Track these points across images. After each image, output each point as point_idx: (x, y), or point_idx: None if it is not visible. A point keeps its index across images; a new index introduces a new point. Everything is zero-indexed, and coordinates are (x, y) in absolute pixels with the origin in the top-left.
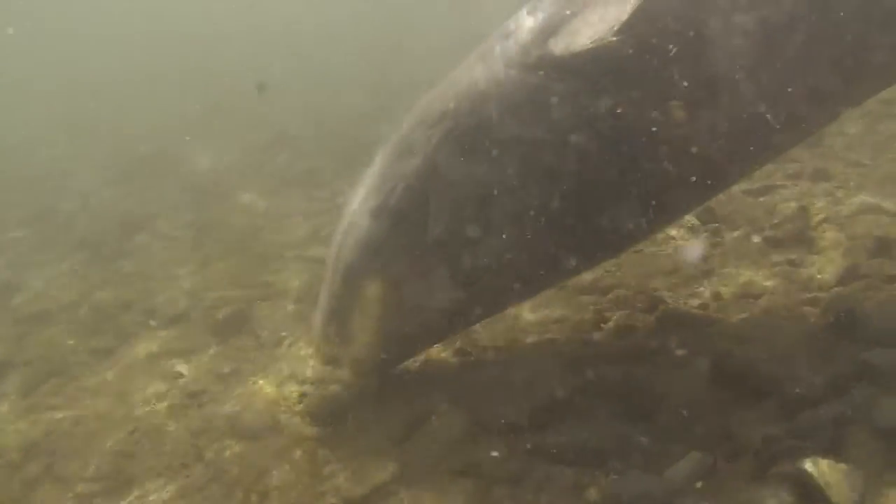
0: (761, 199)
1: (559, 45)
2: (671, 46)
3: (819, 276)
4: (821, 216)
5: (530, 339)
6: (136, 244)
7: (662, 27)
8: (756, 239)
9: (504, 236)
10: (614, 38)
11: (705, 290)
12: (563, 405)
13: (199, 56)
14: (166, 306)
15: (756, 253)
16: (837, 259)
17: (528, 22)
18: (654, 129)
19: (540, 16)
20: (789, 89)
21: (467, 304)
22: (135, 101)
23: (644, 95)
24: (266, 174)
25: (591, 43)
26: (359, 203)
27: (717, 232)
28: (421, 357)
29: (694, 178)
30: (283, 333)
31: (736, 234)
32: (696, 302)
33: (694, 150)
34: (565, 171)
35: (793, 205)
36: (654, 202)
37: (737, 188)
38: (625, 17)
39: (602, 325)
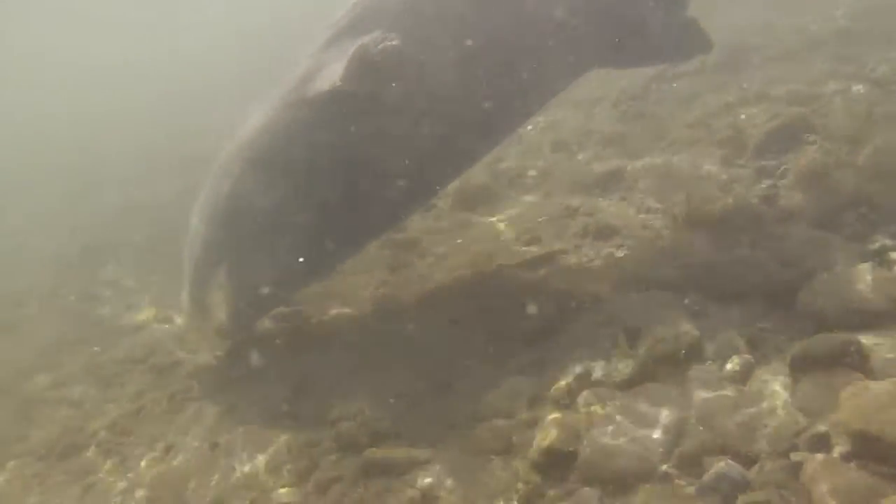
0: None
1: (310, 91)
2: (392, 83)
3: None
4: None
5: None
6: None
7: (385, 69)
8: None
9: (298, 227)
10: (341, 83)
11: None
12: None
13: None
14: None
15: None
16: None
17: (296, 72)
18: (385, 146)
19: (304, 68)
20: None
21: (288, 278)
22: None
23: (375, 121)
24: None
25: (329, 87)
26: (198, 214)
27: None
28: None
29: (414, 180)
30: None
31: None
32: None
33: (413, 158)
34: (330, 179)
35: None
36: (396, 196)
37: None
38: (341, 72)
39: None
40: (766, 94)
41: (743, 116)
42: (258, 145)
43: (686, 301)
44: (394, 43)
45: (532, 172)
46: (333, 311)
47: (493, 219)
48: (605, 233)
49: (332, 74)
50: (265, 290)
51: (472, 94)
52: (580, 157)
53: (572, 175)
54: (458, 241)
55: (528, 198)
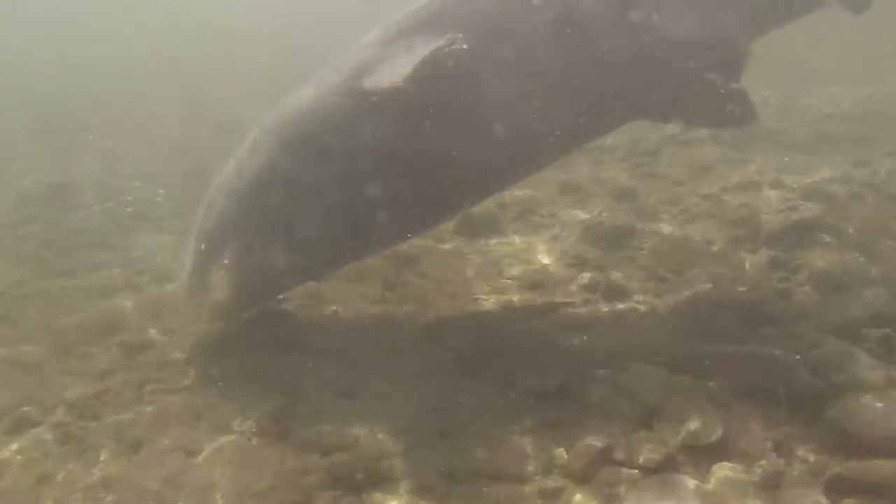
0: None
1: (368, 83)
2: (444, 88)
3: None
4: None
5: None
6: None
7: (439, 75)
8: None
9: (324, 217)
10: (402, 83)
11: None
12: None
13: None
14: None
15: None
16: None
17: (351, 61)
18: (429, 143)
19: (360, 58)
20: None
21: (301, 267)
22: None
23: (424, 121)
24: None
25: (389, 85)
26: (218, 186)
27: None
28: None
29: (458, 179)
30: None
31: None
32: None
33: (459, 157)
34: (367, 170)
35: None
36: (433, 196)
37: None
38: (408, 70)
39: None
40: (781, 182)
41: (757, 200)
42: (299, 128)
43: (710, 387)
44: (463, 46)
45: (540, 211)
46: (327, 320)
47: (498, 253)
48: (616, 292)
49: (396, 71)
50: (273, 276)
51: (527, 114)
52: (589, 205)
53: (581, 222)
54: (460, 268)
55: (534, 237)
